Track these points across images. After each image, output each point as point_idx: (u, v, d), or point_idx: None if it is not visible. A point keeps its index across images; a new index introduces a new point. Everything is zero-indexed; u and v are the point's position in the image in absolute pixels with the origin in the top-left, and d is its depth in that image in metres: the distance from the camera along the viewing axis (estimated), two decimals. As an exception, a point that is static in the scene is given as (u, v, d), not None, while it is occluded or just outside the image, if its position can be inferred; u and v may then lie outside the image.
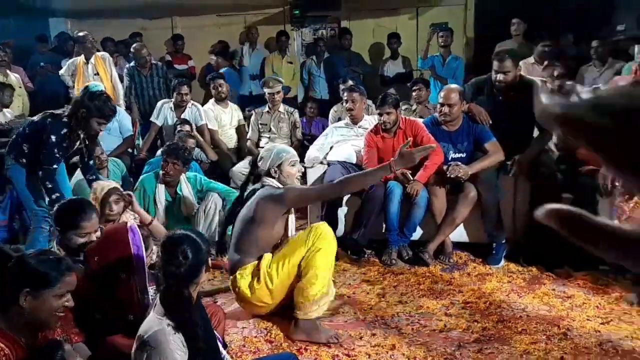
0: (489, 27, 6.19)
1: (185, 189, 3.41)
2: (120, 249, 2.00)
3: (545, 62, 5.22)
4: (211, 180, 3.57)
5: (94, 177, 3.19)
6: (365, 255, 3.44)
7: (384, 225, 3.43)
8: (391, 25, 6.63)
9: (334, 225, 3.47)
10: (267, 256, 2.50)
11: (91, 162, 3.31)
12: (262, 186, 2.61)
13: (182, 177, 3.46)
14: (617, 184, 2.69)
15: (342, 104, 4.32)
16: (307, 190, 2.77)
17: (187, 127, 4.29)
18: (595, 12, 5.38)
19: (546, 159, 3.41)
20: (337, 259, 3.37)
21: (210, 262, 2.06)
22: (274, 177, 2.61)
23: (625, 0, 3.84)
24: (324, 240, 2.44)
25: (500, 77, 3.39)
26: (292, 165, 2.64)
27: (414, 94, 4.73)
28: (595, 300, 2.73)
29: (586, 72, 4.77)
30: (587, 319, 2.54)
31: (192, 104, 4.69)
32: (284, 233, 2.62)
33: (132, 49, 5.22)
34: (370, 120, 3.96)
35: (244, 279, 2.48)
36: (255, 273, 2.47)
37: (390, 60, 6.15)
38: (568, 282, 2.97)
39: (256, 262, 2.50)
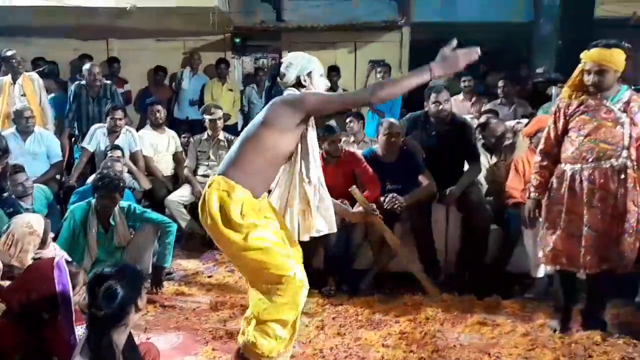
0: (422, 64, 6.51)
1: (118, 219, 3.27)
2: (44, 286, 1.88)
3: (474, 98, 5.57)
4: (145, 210, 3.45)
5: (12, 209, 3.01)
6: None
7: (324, 255, 3.44)
8: (330, 59, 6.81)
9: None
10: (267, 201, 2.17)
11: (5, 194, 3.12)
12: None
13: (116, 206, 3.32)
14: (539, 216, 2.87)
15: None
16: (329, 95, 2.26)
17: (118, 153, 4.14)
18: (517, 55, 5.83)
19: (476, 191, 3.59)
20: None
21: (144, 298, 1.96)
22: (303, 87, 2.22)
23: (544, 45, 4.19)
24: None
25: (440, 107, 3.55)
26: (321, 77, 2.27)
27: (347, 126, 4.86)
28: (522, 328, 2.86)
29: (498, 108, 5.11)
30: (515, 346, 2.66)
31: (127, 130, 4.55)
32: (296, 151, 2.18)
33: (83, 68, 5.00)
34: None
35: (221, 191, 2.03)
36: (247, 204, 2.05)
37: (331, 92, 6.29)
38: (497, 311, 3.10)
39: (249, 192, 2.06)
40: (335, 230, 2.41)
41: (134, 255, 3.24)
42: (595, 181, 2.63)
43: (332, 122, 4.97)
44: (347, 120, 4.86)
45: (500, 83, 5.16)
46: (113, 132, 4.48)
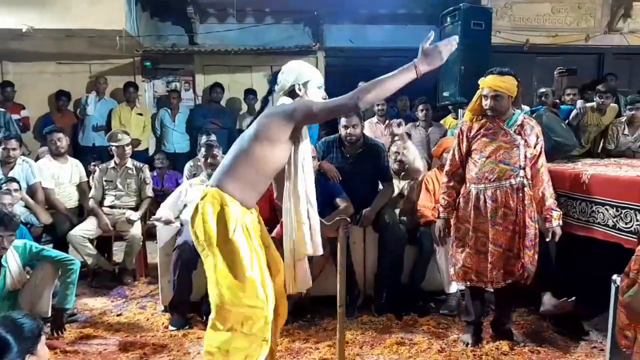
0: (338, 88, 6.66)
1: (12, 260, 2.96)
2: None
3: (387, 121, 5.76)
4: (44, 247, 3.17)
5: None
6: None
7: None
8: (247, 82, 6.78)
9: (187, 290, 3.30)
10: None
11: None
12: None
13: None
14: (449, 235, 2.99)
15: (198, 158, 4.22)
16: (320, 103, 2.10)
17: (14, 186, 3.78)
18: (423, 80, 6.11)
19: (389, 212, 3.67)
20: (191, 326, 3.22)
21: (42, 346, 1.77)
22: (297, 96, 2.13)
23: (448, 70, 4.44)
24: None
25: (350, 131, 3.62)
26: (319, 88, 2.17)
27: None
28: (437, 344, 2.93)
29: (414, 130, 5.35)
30: (431, 364, 2.71)
31: (23, 160, 4.18)
32: (288, 163, 2.12)
33: None
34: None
35: (216, 205, 1.97)
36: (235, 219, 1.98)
37: (248, 115, 6.25)
38: (414, 329, 3.16)
39: (240, 205, 2.01)
40: (320, 253, 2.29)
41: (30, 298, 2.96)
42: (498, 199, 2.78)
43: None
44: None
45: (421, 107, 5.41)
46: (7, 163, 4.10)
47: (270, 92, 2.21)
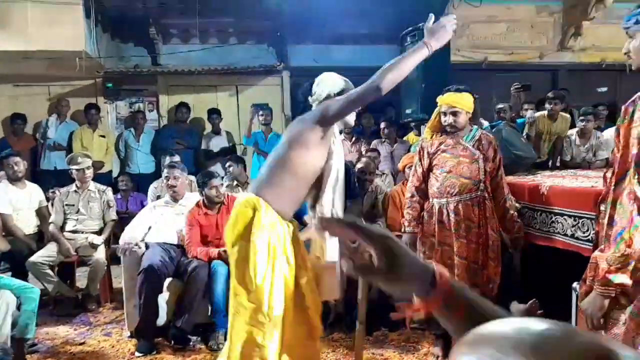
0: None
1: (-34, 290, 2.84)
2: None
3: (353, 138, 5.85)
4: (1, 276, 3.05)
5: None
6: (191, 343, 3.23)
7: (210, 308, 3.29)
8: (212, 102, 6.76)
9: (154, 314, 3.22)
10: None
11: None
12: None
13: (-38, 275, 2.89)
14: (416, 249, 3.03)
15: (162, 180, 4.16)
16: (341, 98, 2.11)
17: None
18: (386, 97, 6.24)
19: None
20: (158, 351, 3.14)
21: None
22: None
23: (410, 88, 4.55)
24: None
25: None
26: None
27: (227, 170, 4.79)
28: (408, 358, 2.95)
29: (380, 146, 5.45)
30: (403, 379, 2.72)
31: (-22, 186, 4.04)
32: (325, 166, 2.14)
33: None
34: (192, 198, 3.87)
35: (247, 207, 2.01)
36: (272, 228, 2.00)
37: (213, 135, 6.22)
38: (385, 344, 3.17)
39: (276, 214, 2.03)
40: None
41: (-13, 330, 2.83)
42: (460, 213, 2.84)
43: (216, 166, 4.91)
44: (227, 164, 4.79)
45: (382, 124, 5.51)
46: (-40, 189, 3.95)
47: (305, 103, 2.25)
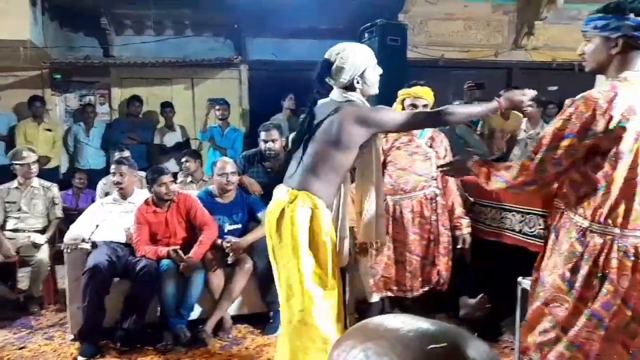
0: (261, 100, 6.65)
1: None
2: None
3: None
4: None
5: None
6: (138, 345, 3.11)
7: (158, 308, 3.19)
8: (166, 95, 6.57)
9: (99, 316, 3.09)
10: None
11: None
12: (344, 101, 2.05)
13: None
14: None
15: (111, 176, 4.00)
16: (402, 114, 2.17)
17: None
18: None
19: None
20: (103, 354, 3.02)
21: None
22: (355, 89, 2.06)
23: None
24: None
25: (269, 145, 3.59)
26: (375, 69, 2.10)
27: (183, 165, 4.66)
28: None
29: None
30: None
31: None
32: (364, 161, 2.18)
33: None
34: (141, 195, 3.74)
35: (304, 204, 1.97)
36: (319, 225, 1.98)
37: (167, 129, 6.04)
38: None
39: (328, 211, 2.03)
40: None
41: None
42: (413, 209, 2.86)
43: (170, 161, 4.77)
44: (183, 159, 4.67)
45: None
46: None
47: (320, 90, 2.13)
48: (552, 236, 1.69)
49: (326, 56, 2.07)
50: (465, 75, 6.62)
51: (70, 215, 4.30)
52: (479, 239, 3.17)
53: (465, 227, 2.92)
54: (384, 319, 0.48)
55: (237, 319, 3.40)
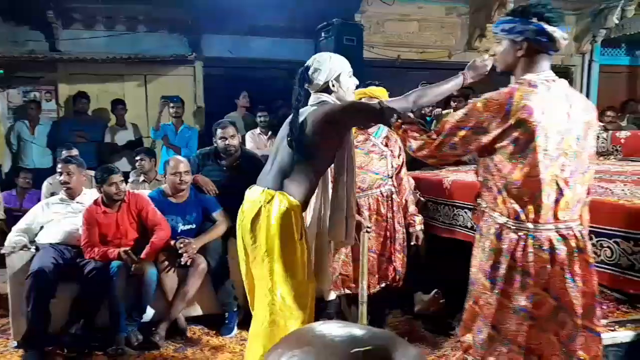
0: (217, 98, 6.55)
1: None
2: None
3: (270, 132, 5.76)
4: None
5: None
6: (87, 350, 3.00)
7: (109, 312, 3.08)
8: (118, 92, 6.36)
9: (44, 321, 2.95)
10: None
11: None
12: (318, 102, 2.08)
13: None
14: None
15: (58, 175, 3.83)
16: (372, 104, 2.12)
17: None
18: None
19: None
20: (49, 361, 2.89)
21: None
22: (331, 92, 2.09)
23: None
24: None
25: (228, 142, 3.53)
26: (350, 77, 2.14)
27: (137, 164, 4.51)
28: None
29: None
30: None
31: None
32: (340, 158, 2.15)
33: None
34: (90, 195, 3.60)
35: (280, 205, 1.96)
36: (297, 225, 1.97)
37: (118, 128, 5.84)
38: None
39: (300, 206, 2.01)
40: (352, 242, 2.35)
41: None
42: (370, 207, 2.88)
43: (121, 161, 4.60)
44: (137, 158, 4.52)
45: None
46: None
47: (300, 93, 2.12)
48: (477, 235, 1.75)
49: (306, 64, 2.13)
50: (421, 76, 6.74)
51: (15, 217, 4.10)
52: (433, 235, 3.23)
53: (418, 224, 2.97)
54: (317, 326, 0.50)
55: (191, 320, 3.33)
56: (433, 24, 7.51)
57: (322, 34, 5.36)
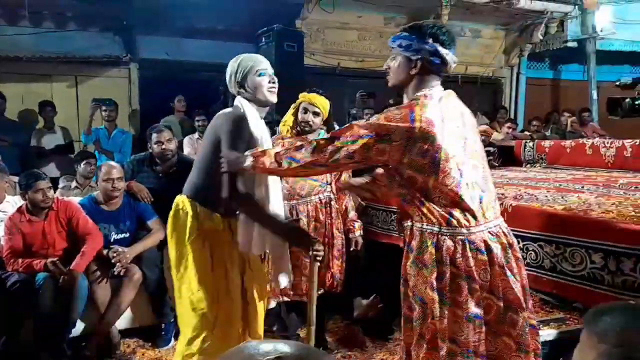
0: (153, 101, 6.35)
1: None
2: None
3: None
4: None
5: None
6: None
7: (34, 327, 2.89)
8: (46, 93, 6.02)
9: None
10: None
11: None
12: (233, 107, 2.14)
13: None
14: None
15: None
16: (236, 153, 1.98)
17: None
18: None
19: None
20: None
21: None
22: (247, 93, 2.10)
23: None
24: None
25: (165, 146, 3.42)
26: (259, 75, 2.08)
27: (82, 170, 4.24)
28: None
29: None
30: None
31: None
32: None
33: None
34: (13, 202, 3.39)
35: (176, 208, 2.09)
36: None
37: (46, 131, 5.52)
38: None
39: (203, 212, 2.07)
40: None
41: None
42: (309, 214, 2.89)
43: (49, 165, 4.33)
44: (83, 163, 4.22)
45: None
46: None
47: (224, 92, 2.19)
48: (411, 256, 1.68)
49: None
50: (360, 85, 6.89)
51: None
52: (371, 241, 3.29)
53: (357, 230, 3.01)
54: (250, 345, 0.55)
55: (125, 333, 3.20)
56: (372, 34, 7.69)
57: (263, 39, 5.36)
